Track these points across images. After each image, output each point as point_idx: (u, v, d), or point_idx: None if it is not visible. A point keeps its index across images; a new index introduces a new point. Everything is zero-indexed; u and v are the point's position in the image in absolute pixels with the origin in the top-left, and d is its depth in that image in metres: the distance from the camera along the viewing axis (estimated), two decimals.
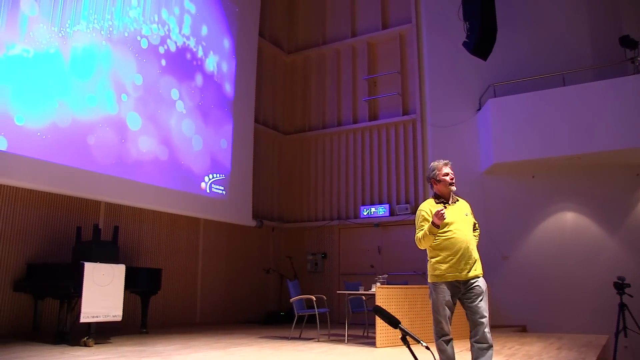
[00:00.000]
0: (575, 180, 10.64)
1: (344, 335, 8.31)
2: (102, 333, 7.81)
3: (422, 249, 4.40)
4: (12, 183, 7.82)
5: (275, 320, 11.97)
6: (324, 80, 14.42)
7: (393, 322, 3.25)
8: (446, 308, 4.25)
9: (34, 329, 7.77)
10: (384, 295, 7.54)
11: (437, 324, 4.29)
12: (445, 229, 4.27)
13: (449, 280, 4.24)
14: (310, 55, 14.75)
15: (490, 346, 4.22)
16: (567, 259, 10.41)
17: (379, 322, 7.39)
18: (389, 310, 3.44)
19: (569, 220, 10.64)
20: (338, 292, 9.60)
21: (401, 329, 3.21)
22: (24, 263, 8.06)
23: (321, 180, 13.85)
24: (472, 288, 4.26)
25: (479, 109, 11.61)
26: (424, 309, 7.82)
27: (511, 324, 10.43)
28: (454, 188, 4.46)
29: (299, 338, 8.56)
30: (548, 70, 10.78)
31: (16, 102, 7.60)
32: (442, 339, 4.26)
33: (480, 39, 10.12)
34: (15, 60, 7.63)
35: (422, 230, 4.31)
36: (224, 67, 12.04)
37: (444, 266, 4.26)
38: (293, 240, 13.95)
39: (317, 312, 8.48)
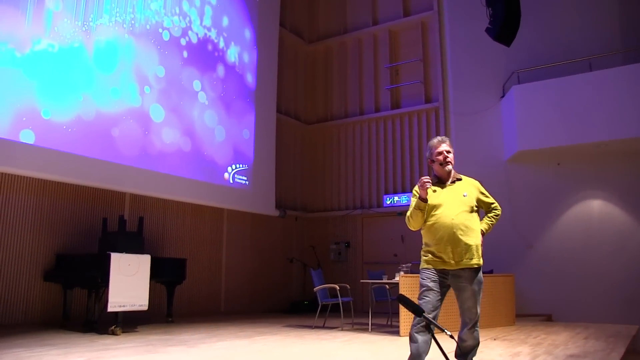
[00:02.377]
0: (602, 167, 10.47)
1: (368, 324, 8.33)
2: (129, 322, 7.93)
3: (414, 229, 4.05)
4: (40, 176, 7.96)
5: (299, 309, 12.05)
6: (345, 69, 14.37)
7: (417, 311, 3.25)
8: (425, 292, 3.81)
9: (63, 318, 7.92)
10: (407, 284, 7.53)
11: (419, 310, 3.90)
12: (432, 213, 3.91)
13: (437, 267, 3.87)
14: (331, 44, 14.70)
15: (477, 344, 3.94)
16: (594, 247, 10.27)
17: (403, 311, 7.39)
18: (412, 299, 3.44)
19: (595, 208, 10.49)
20: (361, 281, 9.61)
21: (425, 318, 3.21)
22: (52, 254, 8.22)
23: (344, 170, 13.84)
24: (463, 288, 3.86)
25: (503, 96, 11.47)
26: (448, 298, 7.78)
27: (537, 313, 10.35)
28: (448, 168, 4.01)
29: (323, 327, 8.59)
30: (574, 56, 10.59)
31: (42, 96, 7.71)
32: (419, 327, 3.70)
33: (504, 25, 9.95)
34: (41, 55, 7.73)
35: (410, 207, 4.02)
36: (246, 57, 12.05)
37: (429, 254, 3.92)
38: (316, 229, 13.98)
39: (340, 301, 8.50)
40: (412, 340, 3.74)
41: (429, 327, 3.19)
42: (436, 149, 4.05)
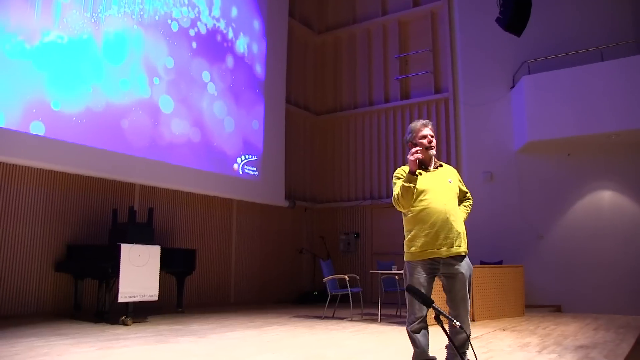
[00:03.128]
0: (613, 158, 10.38)
1: (377, 315, 8.35)
2: (140, 312, 7.98)
3: (404, 210, 3.79)
4: (50, 167, 8.01)
5: (308, 299, 12.09)
6: (355, 59, 14.32)
7: (426, 302, 3.24)
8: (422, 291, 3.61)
9: (75, 308, 8.00)
10: None
11: (410, 307, 3.75)
12: (420, 198, 3.74)
13: (426, 258, 3.71)
14: (340, 35, 14.64)
15: (468, 335, 3.63)
16: (604, 238, 10.21)
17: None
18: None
19: (606, 199, 10.42)
20: (371, 271, 9.63)
21: (434, 308, 3.20)
22: (63, 244, 8.29)
23: (353, 160, 13.82)
24: (454, 275, 3.72)
25: (513, 87, 11.39)
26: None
27: (546, 304, 10.33)
28: (432, 152, 3.87)
29: (332, 317, 8.62)
30: (585, 46, 10.48)
31: (52, 88, 7.75)
32: (414, 325, 3.70)
33: (514, 15, 9.87)
34: (50, 46, 7.76)
35: (397, 186, 3.75)
36: (255, 48, 12.04)
37: (419, 242, 3.72)
38: (326, 220, 13.99)
39: (350, 292, 8.52)
40: (413, 339, 3.72)
41: (438, 319, 3.18)
42: (420, 131, 3.90)
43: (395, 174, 3.88)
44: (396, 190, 3.75)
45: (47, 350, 4.88)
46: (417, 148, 3.68)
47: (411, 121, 13.22)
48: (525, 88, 10.64)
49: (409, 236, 3.81)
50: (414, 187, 3.66)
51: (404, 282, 3.85)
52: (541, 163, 11.00)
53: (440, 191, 3.78)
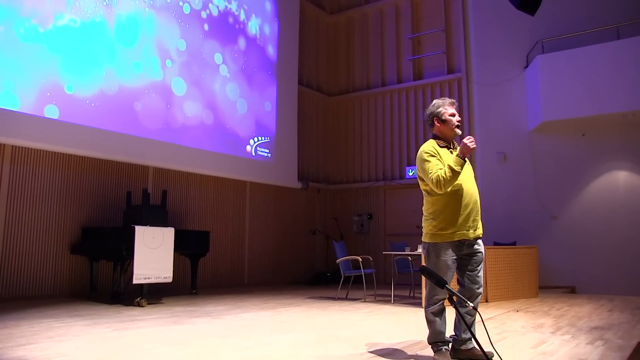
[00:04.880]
0: (628, 138, 10.25)
1: (390, 296, 8.38)
2: (154, 294, 8.07)
3: (441, 192, 3.61)
4: (65, 150, 8.07)
5: (321, 281, 12.14)
6: (367, 40, 14.21)
7: (440, 283, 3.25)
8: (448, 273, 3.67)
9: (90, 290, 8.11)
10: None
11: (433, 289, 3.72)
12: None
13: (455, 239, 3.67)
14: (353, 15, 14.52)
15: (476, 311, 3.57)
16: (619, 219, 10.13)
17: (425, 282, 7.40)
18: (435, 271, 3.44)
19: (621, 179, 10.32)
20: (384, 252, 9.64)
21: (448, 289, 3.21)
22: (78, 227, 8.38)
23: (366, 141, 13.78)
24: (475, 253, 3.74)
25: (527, 66, 11.26)
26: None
27: (560, 285, 10.30)
28: (459, 132, 3.81)
29: (346, 298, 8.66)
30: (600, 24, 10.30)
31: (65, 71, 7.78)
32: (435, 307, 3.71)
33: None
34: (63, 30, 7.78)
35: (438, 167, 3.60)
36: (267, 29, 11.98)
37: (451, 223, 3.66)
38: (339, 201, 14.01)
39: (363, 273, 8.53)
40: (432, 321, 3.76)
41: (451, 300, 3.18)
42: (449, 108, 3.82)
43: (425, 151, 3.73)
44: (441, 171, 3.56)
45: (64, 331, 4.96)
46: (472, 139, 3.53)
47: (424, 101, 13.16)
48: (540, 67, 10.51)
49: (440, 217, 3.71)
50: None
51: (427, 263, 3.79)
52: (555, 143, 10.90)
53: (467, 172, 3.78)
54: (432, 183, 3.60)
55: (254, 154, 11.20)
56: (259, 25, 11.75)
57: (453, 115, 3.82)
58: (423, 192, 3.89)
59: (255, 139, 11.28)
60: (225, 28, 10.76)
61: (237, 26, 11.10)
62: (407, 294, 9.18)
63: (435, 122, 3.85)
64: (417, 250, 8.07)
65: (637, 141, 10.18)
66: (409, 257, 8.71)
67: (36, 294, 7.80)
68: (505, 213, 10.93)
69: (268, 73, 11.87)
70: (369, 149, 13.71)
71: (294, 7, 13.05)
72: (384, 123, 13.53)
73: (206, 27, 10.26)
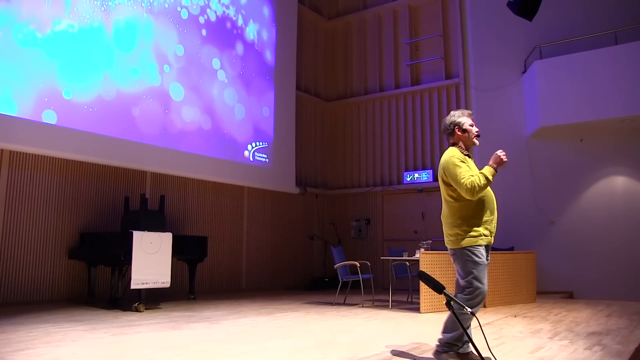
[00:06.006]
0: (626, 143, 10.28)
1: (388, 301, 8.38)
2: (152, 299, 8.06)
3: (473, 198, 3.73)
4: (63, 155, 8.06)
5: (319, 286, 12.13)
6: (365, 45, 14.25)
7: (438, 288, 3.26)
8: (486, 273, 3.77)
9: (88, 295, 8.09)
10: (428, 261, 7.53)
11: (479, 295, 3.72)
12: None
13: (485, 243, 3.79)
14: (350, 20, 14.56)
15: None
16: (617, 224, 10.15)
17: (423, 287, 7.41)
18: (433, 276, 3.45)
19: (619, 184, 10.34)
20: (382, 258, 9.64)
21: (446, 295, 3.21)
22: (76, 232, 8.36)
23: (364, 147, 13.80)
24: (488, 261, 3.85)
25: (525, 71, 11.30)
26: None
27: (558, 290, 10.31)
28: (477, 142, 4.02)
29: (344, 304, 8.65)
30: (598, 29, 10.35)
31: (63, 76, 7.78)
32: (469, 314, 3.43)
33: None
34: (61, 35, 7.79)
35: (469, 173, 3.72)
36: (264, 35, 12.00)
37: (484, 227, 3.78)
38: (337, 206, 14.01)
39: (361, 278, 8.53)
40: (464, 320, 3.62)
41: (449, 304, 3.18)
42: (468, 120, 4.01)
43: (456, 156, 3.85)
44: (466, 174, 3.71)
45: (62, 336, 4.95)
46: (504, 152, 3.81)
47: (422, 107, 13.17)
48: (537, 72, 10.55)
49: (471, 222, 3.79)
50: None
51: (469, 268, 3.76)
52: (553, 148, 10.93)
53: None
54: (463, 188, 3.70)
55: (251, 159, 11.20)
56: (257, 30, 11.77)
57: (472, 125, 4.01)
58: (447, 198, 3.93)
59: (253, 144, 11.29)
60: (223, 33, 10.78)
61: (235, 31, 11.12)
62: (405, 299, 9.17)
63: (457, 131, 4.01)
64: (415, 255, 8.07)
65: (634, 146, 10.21)
66: (407, 263, 8.71)
67: (34, 299, 7.78)
68: (503, 218, 10.82)
69: (266, 78, 11.89)
70: (366, 154, 13.72)
71: (291, 12, 13.07)
72: (382, 128, 13.55)
73: (204, 32, 10.28)
